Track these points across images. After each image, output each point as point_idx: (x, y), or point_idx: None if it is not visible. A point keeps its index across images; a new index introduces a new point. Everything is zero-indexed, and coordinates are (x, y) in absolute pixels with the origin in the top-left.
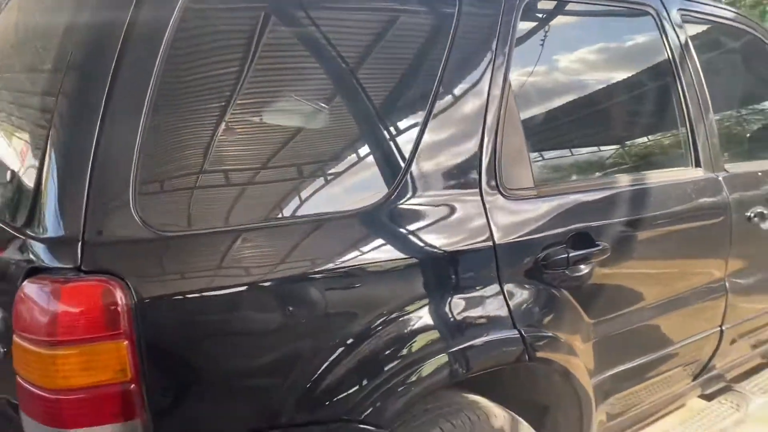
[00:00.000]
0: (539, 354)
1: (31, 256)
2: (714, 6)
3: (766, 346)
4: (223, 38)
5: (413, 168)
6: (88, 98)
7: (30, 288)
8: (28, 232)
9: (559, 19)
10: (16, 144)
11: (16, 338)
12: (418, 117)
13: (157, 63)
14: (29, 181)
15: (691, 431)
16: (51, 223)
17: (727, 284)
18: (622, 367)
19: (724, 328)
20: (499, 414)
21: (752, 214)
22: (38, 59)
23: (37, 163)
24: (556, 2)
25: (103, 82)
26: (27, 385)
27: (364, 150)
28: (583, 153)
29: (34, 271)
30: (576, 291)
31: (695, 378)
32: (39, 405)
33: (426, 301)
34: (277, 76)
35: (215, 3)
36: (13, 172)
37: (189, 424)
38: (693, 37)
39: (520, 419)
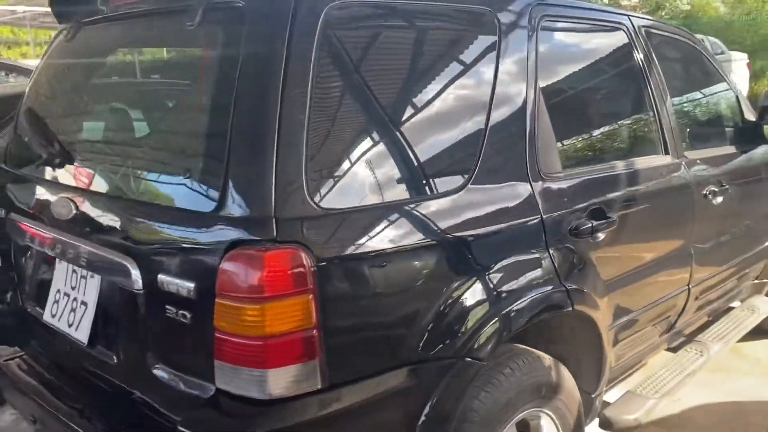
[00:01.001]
0: (577, 306)
1: (232, 233)
2: (664, 24)
3: (716, 303)
4: (359, 45)
5: (480, 165)
6: (266, 106)
7: (237, 257)
8: (225, 215)
9: (566, 37)
10: (193, 144)
11: (220, 300)
12: (482, 123)
13: (311, 68)
14: (219, 174)
15: (670, 373)
16: (249, 206)
17: (692, 250)
18: (623, 319)
19: (690, 287)
20: (545, 357)
21: (707, 192)
22: (202, 69)
23: (225, 161)
24: (563, 23)
25: (275, 93)
26: (231, 338)
27: (453, 146)
28: (591, 144)
29: (234, 245)
30: (594, 255)
31: (669, 330)
32: (244, 352)
33: (501, 263)
34: (395, 81)
35: (348, 21)
36: (189, 168)
37: (348, 362)
38: (654, 49)
39: (558, 362)
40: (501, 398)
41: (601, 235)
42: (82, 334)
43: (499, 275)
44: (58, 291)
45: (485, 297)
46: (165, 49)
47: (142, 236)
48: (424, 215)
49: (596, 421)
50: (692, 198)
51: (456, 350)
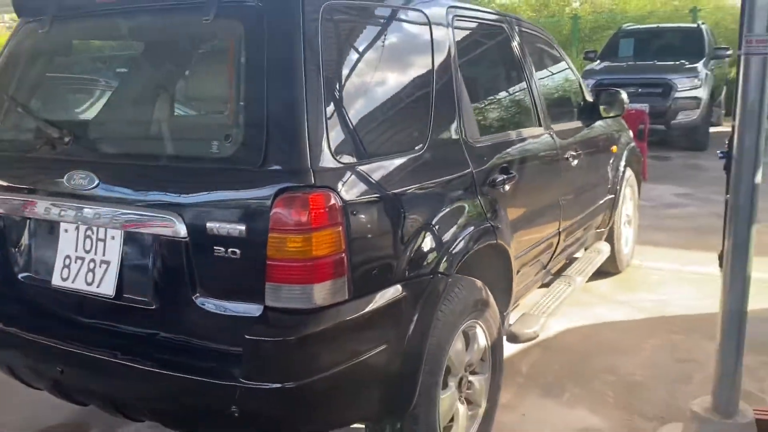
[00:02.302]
0: (499, 240)
1: (279, 183)
2: (529, 22)
3: (572, 248)
4: (346, 34)
5: (432, 131)
6: (295, 82)
7: (287, 200)
8: (270, 169)
9: (470, 33)
10: (231, 116)
11: (273, 234)
12: (429, 101)
13: (320, 50)
14: (260, 139)
15: (550, 299)
16: (290, 162)
17: (561, 202)
18: (521, 253)
19: (560, 231)
20: (477, 281)
21: (568, 156)
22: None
23: (264, 128)
24: (467, 22)
25: (300, 71)
26: (283, 263)
27: (415, 116)
28: (493, 116)
29: (281, 191)
30: (503, 201)
31: (544, 268)
32: (296, 272)
33: (453, 204)
34: (369, 64)
35: (337, 14)
36: (229, 135)
37: (364, 278)
38: (525, 42)
39: (485, 285)
40: (455, 309)
41: (507, 186)
42: (106, 288)
43: (453, 212)
44: (67, 257)
45: (447, 229)
46: (179, 37)
47: (187, 193)
48: (403, 168)
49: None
50: (559, 160)
51: (432, 269)
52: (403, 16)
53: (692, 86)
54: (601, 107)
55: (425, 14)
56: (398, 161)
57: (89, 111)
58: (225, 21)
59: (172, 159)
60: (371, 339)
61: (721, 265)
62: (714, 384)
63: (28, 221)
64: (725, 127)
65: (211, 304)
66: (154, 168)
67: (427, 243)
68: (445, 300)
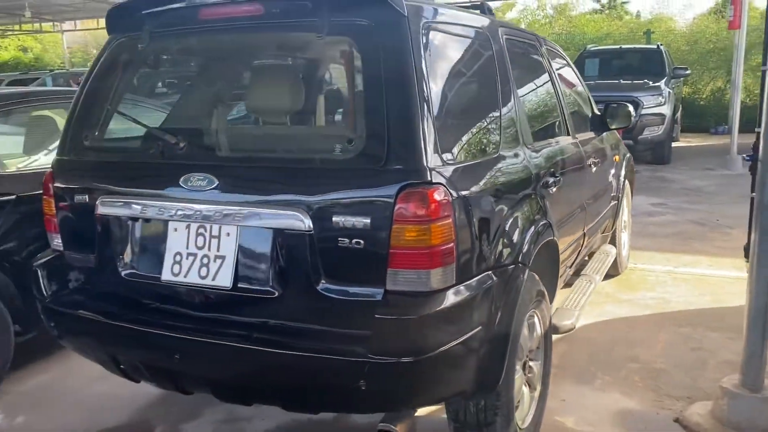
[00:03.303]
0: (554, 237)
1: (401, 180)
2: (550, 41)
3: (587, 249)
4: (438, 50)
5: (502, 136)
6: (410, 91)
7: (410, 195)
8: (392, 168)
9: (518, 50)
10: (354, 122)
11: (397, 225)
12: (498, 108)
13: (423, 66)
14: (382, 142)
15: (577, 295)
16: (409, 161)
17: (585, 204)
18: (562, 251)
19: (585, 230)
20: (534, 275)
21: (590, 163)
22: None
23: (386, 133)
24: (513, 40)
25: (413, 81)
26: (405, 251)
27: (491, 125)
28: (540, 125)
29: (404, 187)
30: (551, 202)
31: (570, 267)
32: (417, 258)
33: (523, 202)
34: (458, 76)
35: (430, 31)
36: (351, 139)
37: (466, 265)
38: (553, 61)
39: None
40: (526, 298)
41: (554, 188)
42: (223, 280)
43: (525, 209)
44: (178, 254)
45: (522, 223)
46: (295, 51)
47: (312, 190)
48: (487, 169)
49: None
50: (584, 167)
51: (513, 258)
52: (471, 34)
53: (657, 103)
54: (608, 119)
55: (486, 32)
56: (483, 162)
57: (204, 119)
58: (338, 38)
59: (297, 161)
60: (471, 320)
61: (746, 256)
62: (742, 363)
63: (132, 222)
64: (683, 143)
65: (332, 289)
66: (278, 170)
67: (510, 235)
68: (522, 288)
